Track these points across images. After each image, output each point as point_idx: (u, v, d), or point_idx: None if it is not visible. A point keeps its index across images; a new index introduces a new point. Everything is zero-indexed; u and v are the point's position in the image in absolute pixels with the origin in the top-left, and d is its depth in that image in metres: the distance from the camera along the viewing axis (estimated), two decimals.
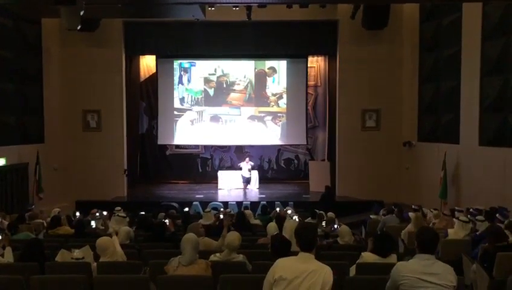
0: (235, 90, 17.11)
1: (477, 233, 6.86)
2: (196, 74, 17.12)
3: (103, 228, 8.13)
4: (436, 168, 12.90)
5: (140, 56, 17.07)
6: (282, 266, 3.34)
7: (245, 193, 15.63)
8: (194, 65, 17.15)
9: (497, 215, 7.87)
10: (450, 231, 7.07)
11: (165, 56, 16.72)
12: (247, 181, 16.04)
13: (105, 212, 10.08)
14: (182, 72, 17.13)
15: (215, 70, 17.08)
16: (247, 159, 16.29)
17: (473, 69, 12.07)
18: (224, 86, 17.10)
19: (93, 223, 7.84)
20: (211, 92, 17.12)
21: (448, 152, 12.64)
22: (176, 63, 17.06)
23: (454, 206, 10.71)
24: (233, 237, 4.87)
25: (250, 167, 16.06)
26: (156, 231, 6.44)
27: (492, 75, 11.53)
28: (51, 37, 14.72)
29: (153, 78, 17.22)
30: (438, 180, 12.70)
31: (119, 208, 10.02)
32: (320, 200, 12.90)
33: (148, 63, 17.35)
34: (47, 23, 14.40)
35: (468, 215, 8.43)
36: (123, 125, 15.38)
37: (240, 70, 17.10)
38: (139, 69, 17.23)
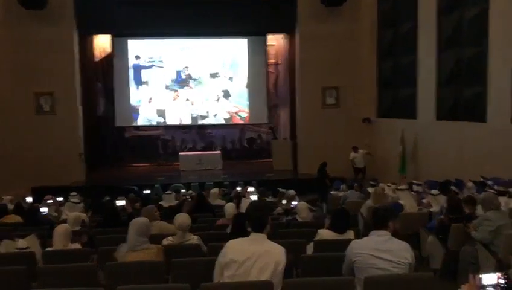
0: (194, 69, 16.75)
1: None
2: (153, 54, 16.64)
3: (56, 214, 7.83)
4: (395, 143, 13.09)
5: (95, 35, 16.43)
6: (233, 248, 3.24)
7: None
8: (151, 44, 16.65)
9: (452, 187, 8.02)
10: (405, 204, 7.17)
11: (120, 35, 16.16)
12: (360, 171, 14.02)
13: (60, 198, 9.76)
14: (139, 52, 16.60)
15: (174, 50, 16.65)
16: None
17: (429, 44, 12.22)
18: (183, 65, 16.71)
19: (45, 210, 7.49)
20: (170, 71, 16.70)
21: (407, 127, 12.83)
22: (132, 42, 16.51)
23: (413, 180, 10.90)
24: (183, 217, 4.73)
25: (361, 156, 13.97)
26: (108, 215, 6.21)
27: (448, 50, 11.70)
28: None
29: (109, 58, 16.62)
30: (397, 156, 12.90)
31: (75, 193, 9.72)
32: (316, 179, 12.89)
33: (103, 43, 16.70)
34: None
35: (426, 189, 8.59)
36: (78, 107, 14.84)
37: (199, 49, 16.73)
38: (94, 48, 16.59)
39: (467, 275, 5.21)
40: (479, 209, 5.74)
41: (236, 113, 17.05)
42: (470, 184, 8.17)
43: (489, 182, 7.93)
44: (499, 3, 10.00)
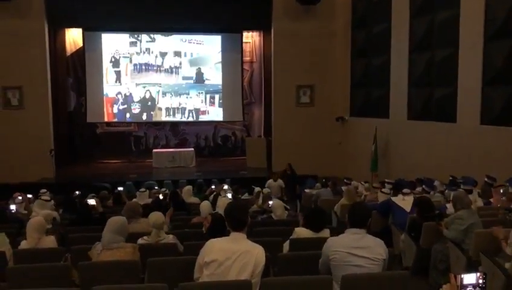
0: (168, 65, 16.57)
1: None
2: (126, 49, 16.36)
3: (26, 212, 7.61)
4: (368, 142, 13.27)
5: (66, 29, 16.05)
6: (213, 247, 3.23)
7: None
8: (125, 39, 16.37)
9: (423, 186, 8.20)
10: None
11: (92, 29, 15.83)
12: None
13: (30, 195, 9.49)
14: (113, 47, 16.28)
15: (148, 45, 16.42)
16: None
17: (401, 46, 12.45)
18: (157, 61, 16.50)
19: (13, 207, 7.28)
20: (144, 67, 16.46)
21: (379, 126, 13.03)
22: (104, 37, 16.19)
23: (384, 178, 11.10)
24: (156, 216, 4.68)
25: None
26: (81, 213, 6.08)
27: (419, 51, 11.94)
28: None
29: (80, 53, 16.26)
30: (369, 154, 13.10)
31: (45, 190, 9.48)
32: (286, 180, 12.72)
33: (74, 36, 16.33)
34: None
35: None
36: (48, 102, 14.47)
37: (173, 45, 16.56)
38: (65, 42, 16.21)
39: (438, 273, 5.35)
40: (450, 208, 5.87)
41: (210, 110, 16.93)
42: (437, 182, 8.36)
43: (460, 181, 8.13)
44: (469, 8, 10.27)
